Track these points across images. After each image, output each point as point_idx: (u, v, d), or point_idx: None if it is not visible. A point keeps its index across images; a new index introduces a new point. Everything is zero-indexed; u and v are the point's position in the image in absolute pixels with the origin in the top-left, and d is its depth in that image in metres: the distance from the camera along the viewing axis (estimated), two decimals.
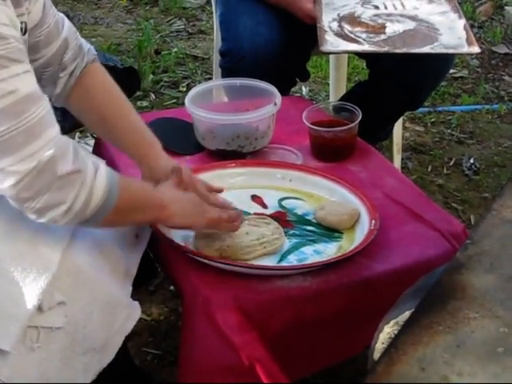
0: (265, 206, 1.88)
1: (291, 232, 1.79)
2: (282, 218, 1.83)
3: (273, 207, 1.88)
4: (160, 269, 1.94)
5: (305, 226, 1.82)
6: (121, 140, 1.77)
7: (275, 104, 2.05)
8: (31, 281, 1.46)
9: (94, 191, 1.45)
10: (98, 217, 1.48)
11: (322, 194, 1.92)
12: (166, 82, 3.82)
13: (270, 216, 1.83)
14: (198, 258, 1.67)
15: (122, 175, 1.57)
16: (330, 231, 1.80)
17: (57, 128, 1.42)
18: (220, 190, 1.83)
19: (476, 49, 2.18)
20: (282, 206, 1.89)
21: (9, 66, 1.33)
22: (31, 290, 1.45)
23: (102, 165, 1.50)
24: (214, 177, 1.93)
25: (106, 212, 1.48)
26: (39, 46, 1.63)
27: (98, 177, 1.46)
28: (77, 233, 1.57)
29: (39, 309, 1.46)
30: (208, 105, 2.16)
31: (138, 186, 1.66)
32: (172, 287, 2.34)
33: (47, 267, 1.48)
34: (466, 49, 2.20)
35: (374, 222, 1.76)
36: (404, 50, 2.19)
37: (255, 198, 1.90)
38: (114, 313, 1.58)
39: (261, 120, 2.05)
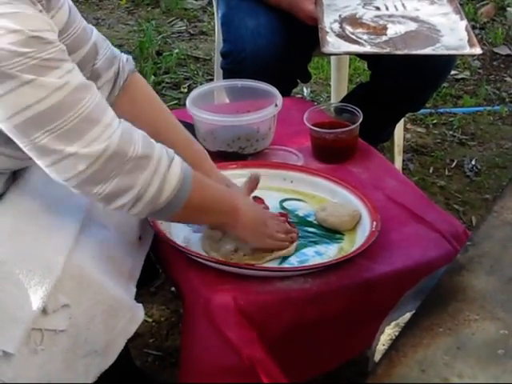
0: (266, 208, 1.88)
1: None
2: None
3: (274, 208, 1.88)
4: (161, 270, 1.94)
5: (306, 228, 1.82)
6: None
7: (276, 105, 2.05)
8: (36, 283, 1.46)
9: (167, 179, 1.48)
10: (168, 209, 1.50)
11: (324, 195, 1.92)
12: (167, 83, 3.81)
13: None
14: (199, 260, 1.67)
15: (196, 171, 1.58)
16: (331, 232, 1.80)
17: (112, 111, 1.47)
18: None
19: (478, 50, 2.18)
20: (283, 208, 1.89)
21: (59, 66, 1.39)
22: (36, 293, 1.46)
23: (177, 156, 1.53)
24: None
25: (178, 204, 1.51)
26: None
27: (173, 166, 1.49)
28: (81, 235, 1.57)
29: (43, 311, 1.47)
30: (209, 106, 2.16)
31: (212, 185, 1.67)
32: (173, 288, 2.34)
33: (52, 270, 1.49)
34: (467, 50, 2.20)
35: (375, 223, 1.76)
36: (405, 52, 2.19)
37: (256, 200, 1.89)
38: (117, 315, 1.59)
39: (262, 121, 2.05)
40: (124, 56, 1.79)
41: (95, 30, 1.75)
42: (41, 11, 1.43)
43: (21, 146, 1.41)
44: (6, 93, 1.35)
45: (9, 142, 1.43)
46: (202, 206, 1.59)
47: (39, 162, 1.43)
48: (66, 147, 1.39)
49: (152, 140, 1.50)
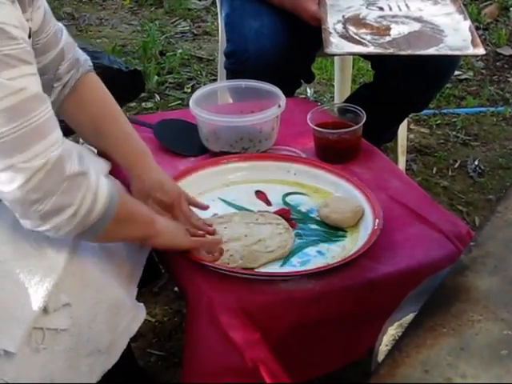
0: (269, 203, 1.88)
1: (295, 232, 1.79)
2: (285, 216, 1.83)
3: (277, 204, 1.88)
4: (164, 270, 1.94)
5: (308, 225, 1.82)
6: (112, 149, 1.78)
7: (279, 106, 2.05)
8: (37, 282, 1.46)
9: (98, 195, 1.46)
10: (98, 225, 1.48)
11: (327, 188, 1.92)
12: (170, 83, 3.82)
13: (275, 214, 1.83)
14: (203, 263, 1.67)
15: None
16: (333, 230, 1.80)
17: (60, 132, 1.44)
18: (205, 207, 1.83)
19: (481, 50, 2.17)
20: (286, 203, 1.88)
21: (18, 66, 1.35)
22: (37, 292, 1.45)
23: (100, 173, 1.53)
24: (217, 173, 1.93)
25: (107, 220, 1.48)
26: (36, 54, 1.63)
27: (101, 182, 1.48)
28: None
29: (44, 310, 1.47)
30: (212, 106, 2.16)
31: (132, 199, 1.67)
32: (176, 288, 2.34)
33: (53, 269, 1.49)
34: (471, 50, 2.20)
35: (377, 221, 1.76)
36: (409, 52, 2.19)
37: (259, 194, 1.89)
38: (119, 314, 1.58)
39: (265, 122, 2.05)
40: (83, 58, 1.79)
41: (65, 32, 1.75)
42: (13, 2, 1.39)
43: None
44: None
45: None
46: (126, 218, 1.57)
47: None
48: (6, 158, 1.35)
49: (85, 155, 1.50)
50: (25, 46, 1.38)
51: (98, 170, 1.51)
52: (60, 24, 1.74)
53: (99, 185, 1.47)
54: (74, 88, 1.76)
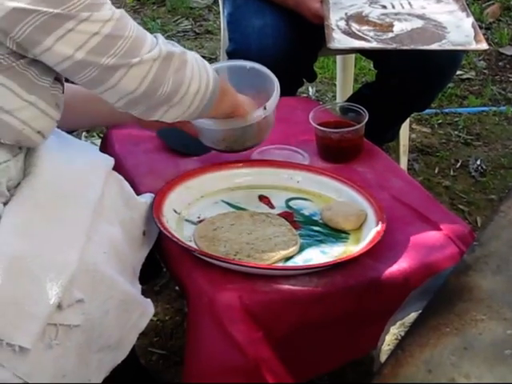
0: (272, 207, 1.88)
1: (298, 233, 1.78)
2: (289, 218, 1.83)
3: (280, 207, 1.88)
4: (165, 269, 1.94)
5: (311, 227, 1.81)
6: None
7: (265, 108, 1.98)
8: (52, 279, 1.47)
9: (206, 66, 1.72)
10: (215, 94, 1.70)
11: (330, 194, 1.91)
12: None
13: (278, 216, 1.83)
14: (205, 258, 1.66)
15: None
16: (336, 232, 1.80)
17: None
18: None
19: (484, 45, 2.17)
20: (289, 207, 1.88)
21: (105, 2, 1.54)
22: (51, 288, 1.47)
23: None
24: (221, 177, 1.93)
25: (217, 90, 1.71)
26: None
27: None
28: (91, 231, 1.58)
29: (59, 307, 1.48)
30: None
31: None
32: (178, 287, 2.34)
33: (67, 265, 1.50)
34: (473, 46, 2.20)
35: (380, 223, 1.75)
36: (412, 47, 2.19)
37: (262, 198, 1.89)
38: (128, 310, 1.60)
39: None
40: None
41: None
42: None
43: (82, 78, 1.54)
44: (68, 31, 1.47)
45: (34, 87, 1.55)
46: (224, 91, 1.76)
47: (104, 86, 1.56)
48: (131, 59, 1.54)
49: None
50: None
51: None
52: None
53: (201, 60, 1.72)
54: None
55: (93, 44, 1.50)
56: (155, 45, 1.58)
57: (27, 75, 1.54)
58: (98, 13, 1.50)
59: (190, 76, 1.65)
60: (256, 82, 2.07)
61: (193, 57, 1.69)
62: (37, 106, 1.56)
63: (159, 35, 1.65)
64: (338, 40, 2.21)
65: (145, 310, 1.65)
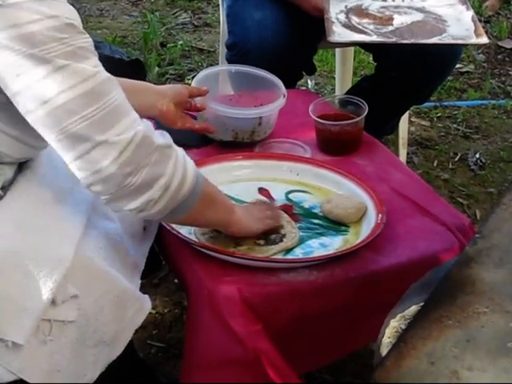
0: (272, 199, 1.87)
1: (298, 225, 1.78)
2: (288, 211, 1.82)
3: (280, 200, 1.87)
4: (165, 262, 1.94)
5: (311, 219, 1.81)
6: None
7: (284, 96, 2.03)
8: (45, 274, 1.46)
9: (187, 168, 1.50)
10: (188, 202, 1.50)
11: (330, 187, 1.91)
12: (171, 74, 3.81)
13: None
14: (204, 251, 1.66)
15: None
16: (336, 225, 1.79)
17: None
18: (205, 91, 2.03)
19: (484, 39, 2.17)
20: (288, 199, 1.88)
21: (90, 58, 1.39)
22: (45, 284, 1.45)
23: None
24: (220, 169, 1.92)
25: (196, 196, 1.51)
26: None
27: (187, 157, 1.52)
28: (87, 227, 1.57)
29: (53, 302, 1.47)
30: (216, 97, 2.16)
31: (211, 183, 1.66)
32: (177, 280, 2.34)
33: (61, 261, 1.48)
34: (474, 39, 2.20)
35: (380, 215, 1.75)
36: (412, 41, 2.19)
37: (262, 191, 1.89)
38: (124, 306, 1.59)
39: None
40: None
41: None
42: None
43: (49, 138, 1.39)
44: (40, 78, 1.34)
45: (17, 123, 1.42)
46: (211, 199, 1.60)
47: (67, 157, 1.40)
48: (97, 135, 1.38)
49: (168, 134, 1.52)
50: (90, 39, 1.42)
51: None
52: None
53: (186, 159, 1.51)
54: None
55: (62, 100, 1.35)
56: (133, 127, 1.41)
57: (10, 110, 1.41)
58: (78, 65, 1.36)
59: (171, 173, 1.46)
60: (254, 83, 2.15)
61: (181, 155, 1.50)
62: (20, 139, 1.50)
63: (165, 133, 1.51)
64: (338, 33, 2.20)
65: (142, 306, 1.63)
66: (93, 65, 1.39)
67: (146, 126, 1.45)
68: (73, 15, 1.40)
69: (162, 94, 1.92)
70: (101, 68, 1.41)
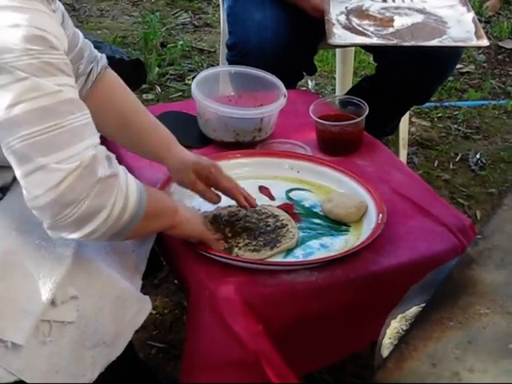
0: (272, 198, 1.87)
1: (298, 225, 1.78)
2: (289, 210, 1.82)
3: (280, 199, 1.87)
4: (165, 262, 1.93)
5: (312, 219, 1.81)
6: (142, 141, 1.76)
7: (284, 96, 2.04)
8: (45, 275, 1.46)
9: (129, 196, 1.44)
10: (129, 225, 1.46)
11: (330, 185, 1.91)
12: (171, 74, 3.81)
13: (278, 208, 1.82)
14: (205, 253, 1.66)
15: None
16: (337, 224, 1.79)
17: (97, 138, 1.43)
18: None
19: (485, 42, 2.17)
20: (289, 198, 1.88)
21: (57, 75, 1.35)
22: (45, 284, 1.45)
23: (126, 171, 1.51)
24: (221, 167, 1.92)
25: (137, 219, 1.47)
26: None
27: (130, 181, 1.46)
28: None
29: (52, 303, 1.47)
30: (217, 97, 2.16)
31: (158, 192, 1.67)
32: (177, 281, 2.34)
33: (61, 261, 1.49)
34: (474, 42, 2.19)
35: (381, 215, 1.75)
36: (412, 44, 2.18)
37: (262, 189, 1.89)
38: (124, 307, 1.59)
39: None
40: (99, 54, 1.79)
41: (81, 34, 1.74)
42: (53, 12, 1.41)
43: (2, 148, 1.36)
44: None
45: None
46: (154, 214, 1.55)
47: (17, 173, 1.37)
48: (40, 157, 1.33)
49: (112, 156, 1.47)
50: (65, 57, 1.39)
51: (125, 168, 1.49)
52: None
53: (128, 184, 1.45)
54: (95, 84, 1.75)
55: (12, 113, 1.30)
56: (79, 156, 1.35)
57: None
58: (39, 80, 1.32)
59: (112, 203, 1.40)
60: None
61: (123, 181, 1.44)
62: None
63: (112, 156, 1.45)
64: (339, 36, 2.20)
65: (142, 307, 1.63)
66: (57, 83, 1.34)
67: (96, 153, 1.39)
68: (50, 27, 1.36)
69: (184, 162, 1.79)
70: (67, 88, 1.36)
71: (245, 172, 1.94)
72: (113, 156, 1.46)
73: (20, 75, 1.30)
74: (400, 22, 2.29)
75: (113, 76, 1.81)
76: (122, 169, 1.47)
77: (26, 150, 1.32)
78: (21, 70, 1.30)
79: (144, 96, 3.56)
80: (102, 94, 1.75)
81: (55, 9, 1.48)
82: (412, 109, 3.09)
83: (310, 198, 1.89)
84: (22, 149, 1.32)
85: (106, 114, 1.72)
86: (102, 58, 1.79)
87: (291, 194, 1.89)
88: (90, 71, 1.74)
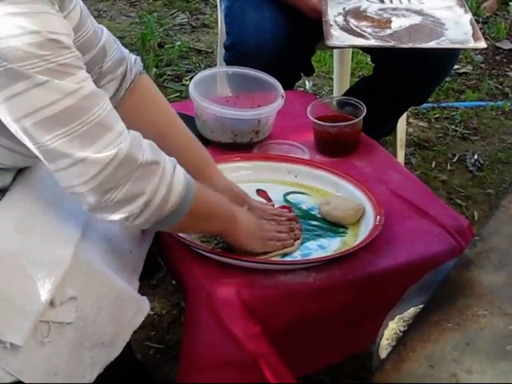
0: (269, 201, 1.87)
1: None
2: None
3: (278, 202, 1.87)
4: (162, 263, 1.93)
5: (309, 221, 1.81)
6: (177, 155, 1.74)
7: (282, 97, 2.04)
8: (44, 275, 1.46)
9: (173, 186, 1.46)
10: (173, 218, 1.48)
11: (328, 188, 1.91)
12: (169, 75, 3.81)
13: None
14: (202, 252, 1.66)
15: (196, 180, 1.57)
16: (334, 226, 1.79)
17: (123, 123, 1.44)
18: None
19: (482, 44, 2.17)
20: (286, 201, 1.88)
21: (75, 73, 1.37)
22: (44, 285, 1.45)
23: (178, 164, 1.51)
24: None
25: (182, 213, 1.49)
26: None
27: (177, 172, 1.48)
28: (86, 229, 1.57)
29: (51, 304, 1.47)
30: (214, 97, 2.16)
31: (213, 193, 1.65)
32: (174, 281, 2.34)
33: (60, 262, 1.48)
34: (472, 44, 2.19)
35: (378, 217, 1.75)
36: (410, 45, 2.18)
37: (260, 192, 1.89)
38: (123, 308, 1.59)
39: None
40: (133, 57, 1.77)
41: (106, 31, 1.72)
42: (58, 12, 1.41)
43: (31, 147, 1.39)
44: (18, 93, 1.32)
45: (12, 136, 1.41)
46: (203, 213, 1.58)
47: (49, 166, 1.40)
48: (77, 152, 1.36)
49: (157, 147, 1.49)
50: (76, 52, 1.40)
51: (174, 160, 1.51)
52: (100, 25, 1.72)
53: (175, 176, 1.47)
54: (130, 90, 1.74)
55: (40, 117, 1.34)
56: (115, 144, 1.39)
57: None
58: (60, 82, 1.34)
59: (152, 191, 1.43)
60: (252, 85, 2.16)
61: (168, 170, 1.47)
62: (10, 148, 1.48)
63: (154, 146, 1.47)
64: (337, 37, 2.20)
65: (140, 308, 1.63)
66: (75, 81, 1.36)
67: (133, 139, 1.43)
68: (59, 28, 1.37)
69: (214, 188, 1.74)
70: (85, 83, 1.38)
71: (243, 175, 1.94)
72: (155, 144, 1.48)
73: (40, 80, 1.32)
74: (398, 23, 2.29)
75: (148, 83, 1.79)
76: (169, 159, 1.49)
77: (62, 148, 1.36)
78: (40, 75, 1.32)
79: None
80: (137, 104, 1.74)
81: (68, 7, 1.50)
82: (409, 109, 3.09)
83: (307, 201, 1.89)
84: (58, 147, 1.36)
85: (140, 126, 1.60)
86: (137, 62, 1.77)
87: (289, 197, 1.89)
88: (124, 78, 1.72)
